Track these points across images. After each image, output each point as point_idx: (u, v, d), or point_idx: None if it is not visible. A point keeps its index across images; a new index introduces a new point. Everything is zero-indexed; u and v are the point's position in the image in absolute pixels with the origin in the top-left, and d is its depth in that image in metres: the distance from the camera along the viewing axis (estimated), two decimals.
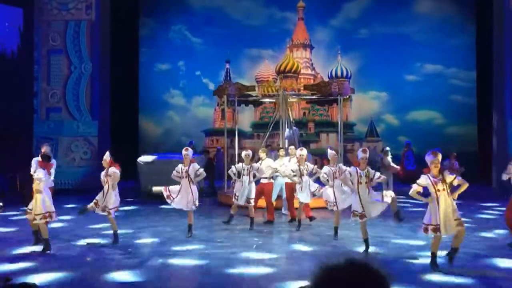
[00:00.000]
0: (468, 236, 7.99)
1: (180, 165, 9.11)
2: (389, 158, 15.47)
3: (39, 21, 17.53)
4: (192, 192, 8.93)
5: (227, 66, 21.66)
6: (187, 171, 8.97)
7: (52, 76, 17.70)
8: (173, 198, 9.02)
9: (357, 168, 7.92)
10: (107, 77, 18.33)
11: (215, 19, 21.61)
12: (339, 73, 21.09)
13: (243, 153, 10.28)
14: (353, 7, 21.18)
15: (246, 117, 21.52)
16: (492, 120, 17.55)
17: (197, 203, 9.06)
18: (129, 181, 16.58)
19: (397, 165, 17.36)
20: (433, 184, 6.60)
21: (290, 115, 14.47)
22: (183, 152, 9.10)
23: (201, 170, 9.10)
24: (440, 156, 6.70)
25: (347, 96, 14.14)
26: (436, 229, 6.56)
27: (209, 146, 20.48)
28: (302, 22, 21.86)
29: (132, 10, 20.88)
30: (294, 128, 14.26)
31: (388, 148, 16.37)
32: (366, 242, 7.91)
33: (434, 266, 6.72)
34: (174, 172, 9.14)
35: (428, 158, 6.72)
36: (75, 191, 16.41)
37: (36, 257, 7.58)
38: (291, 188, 10.58)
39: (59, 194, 15.11)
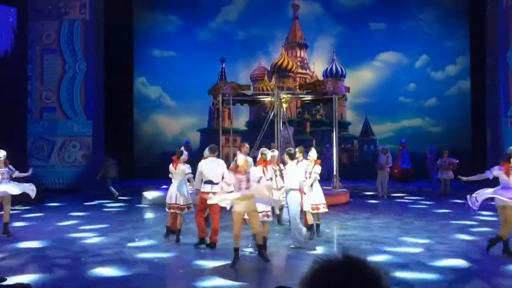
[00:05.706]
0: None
1: None
2: (384, 156, 15.49)
3: (33, 20, 17.41)
4: None
5: (222, 65, 21.62)
6: None
7: (46, 75, 17.59)
8: None
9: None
10: (102, 77, 18.23)
11: (207, 14, 21.64)
12: (334, 72, 21.12)
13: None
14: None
15: (242, 117, 21.52)
16: (485, 116, 17.56)
17: None
18: (125, 181, 16.55)
19: (392, 163, 17.40)
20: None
21: (285, 114, 14.42)
22: None
23: None
24: None
25: (342, 95, 14.15)
26: None
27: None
28: (296, 22, 21.85)
29: (127, 8, 20.81)
30: (289, 127, 14.24)
31: (382, 147, 16.37)
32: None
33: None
34: None
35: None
36: (69, 191, 16.33)
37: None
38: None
39: (53, 194, 15.09)
